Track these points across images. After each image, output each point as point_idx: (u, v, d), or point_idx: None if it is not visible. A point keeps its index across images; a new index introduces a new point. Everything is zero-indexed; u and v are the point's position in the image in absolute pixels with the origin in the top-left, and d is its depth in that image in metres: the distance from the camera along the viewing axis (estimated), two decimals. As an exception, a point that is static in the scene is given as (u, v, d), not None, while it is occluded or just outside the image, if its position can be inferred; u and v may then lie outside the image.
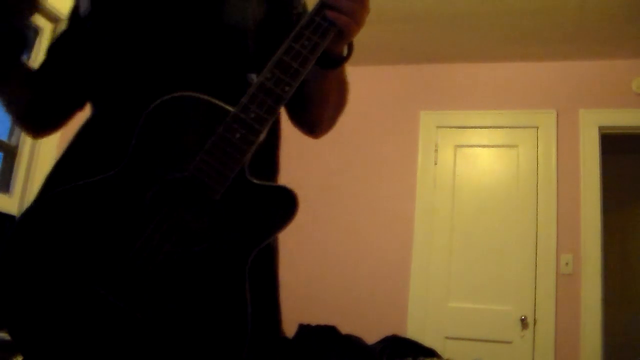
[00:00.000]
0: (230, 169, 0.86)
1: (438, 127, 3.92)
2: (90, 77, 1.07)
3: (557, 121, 3.72)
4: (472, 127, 3.89)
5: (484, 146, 3.86)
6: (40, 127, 1.17)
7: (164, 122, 0.87)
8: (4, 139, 2.76)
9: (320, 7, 0.90)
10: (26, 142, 2.77)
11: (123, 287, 0.83)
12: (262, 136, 0.88)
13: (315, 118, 1.12)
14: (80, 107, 1.15)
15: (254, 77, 0.97)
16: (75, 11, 1.11)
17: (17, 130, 2.80)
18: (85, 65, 1.07)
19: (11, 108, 1.12)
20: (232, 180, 0.86)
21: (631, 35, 3.43)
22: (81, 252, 0.85)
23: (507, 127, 3.83)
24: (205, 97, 0.88)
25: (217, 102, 0.88)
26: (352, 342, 3.12)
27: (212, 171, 0.85)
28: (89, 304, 0.83)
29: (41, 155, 2.79)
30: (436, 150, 3.88)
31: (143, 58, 1.00)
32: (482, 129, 3.86)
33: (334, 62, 0.97)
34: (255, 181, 0.88)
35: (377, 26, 3.51)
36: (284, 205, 0.88)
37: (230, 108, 0.87)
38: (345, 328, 3.12)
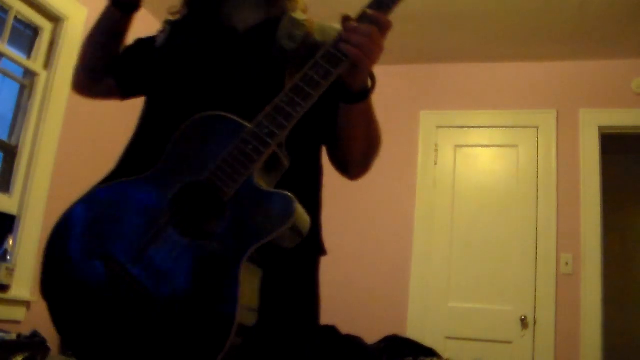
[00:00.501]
0: (240, 174, 0.98)
1: (438, 127, 3.92)
2: (141, 90, 1.29)
3: (557, 121, 3.72)
4: (472, 127, 3.89)
5: (484, 146, 3.86)
6: (89, 86, 1.37)
7: (193, 135, 1.04)
8: (4, 139, 2.76)
9: (336, 41, 1.02)
10: (26, 142, 2.77)
11: (139, 265, 0.98)
12: (286, 162, 1.04)
13: (345, 155, 1.23)
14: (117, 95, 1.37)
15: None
16: (153, 39, 1.30)
17: (17, 130, 2.80)
18: (141, 78, 1.28)
19: (92, 54, 1.32)
20: (242, 185, 0.98)
21: (631, 35, 3.43)
22: (110, 234, 1.02)
23: (507, 127, 3.83)
24: (231, 115, 1.03)
25: (239, 119, 1.02)
26: (352, 342, 3.12)
27: (224, 176, 0.98)
28: (110, 276, 0.99)
29: (41, 155, 2.79)
30: (436, 150, 3.88)
31: (197, 90, 1.18)
32: (482, 129, 3.86)
33: (356, 96, 1.09)
34: (261, 187, 0.99)
35: (377, 26, 3.51)
36: (283, 209, 0.97)
37: (246, 124, 1.01)
38: (345, 328, 3.12)
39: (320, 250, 1.25)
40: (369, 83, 1.10)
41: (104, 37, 1.30)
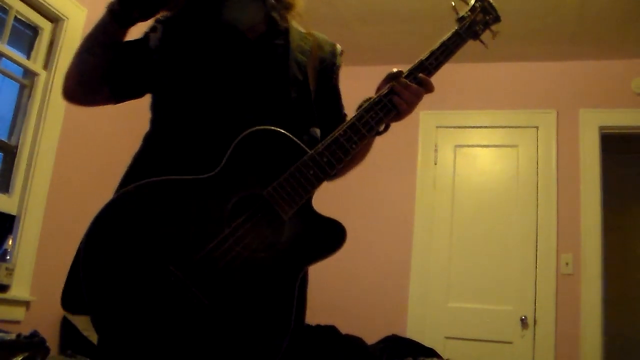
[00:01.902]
0: (300, 196, 1.06)
1: (438, 127, 3.92)
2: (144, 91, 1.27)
3: (557, 121, 3.72)
4: (472, 127, 3.89)
5: (483, 146, 3.86)
6: (81, 95, 1.30)
7: (253, 146, 1.06)
8: (4, 139, 2.76)
9: (389, 92, 1.17)
10: (26, 142, 2.77)
11: (196, 275, 0.98)
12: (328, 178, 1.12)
13: (341, 172, 1.31)
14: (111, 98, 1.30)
15: (317, 131, 1.24)
16: (144, 39, 1.27)
17: (17, 130, 2.80)
18: (140, 80, 1.25)
19: (92, 57, 1.23)
20: (301, 206, 1.06)
21: (631, 35, 3.43)
22: (165, 237, 0.99)
23: (507, 127, 3.83)
24: (289, 135, 1.09)
25: (298, 141, 1.09)
26: (352, 342, 3.12)
27: (286, 195, 1.05)
28: (164, 284, 0.96)
29: (41, 155, 2.79)
30: (436, 150, 3.88)
31: (214, 91, 1.19)
32: (482, 129, 3.86)
33: (379, 133, 1.21)
34: (317, 212, 1.09)
35: (377, 26, 3.51)
36: (336, 237, 1.09)
37: (308, 149, 1.09)
38: (345, 328, 3.12)
39: None
40: None
41: (99, 48, 1.23)
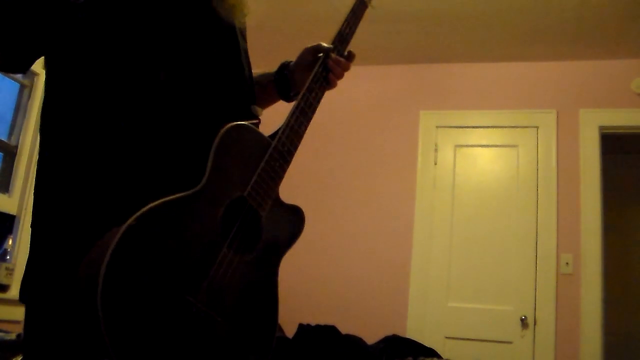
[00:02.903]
0: (273, 190, 1.06)
1: (438, 127, 3.91)
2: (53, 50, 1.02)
3: (557, 121, 3.71)
4: (472, 127, 3.89)
5: (484, 146, 3.86)
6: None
7: (229, 148, 1.01)
8: (4, 139, 2.76)
9: (323, 69, 1.22)
10: (26, 142, 2.77)
11: (207, 297, 0.96)
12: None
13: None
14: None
15: (258, 109, 1.21)
16: None
17: (17, 130, 2.80)
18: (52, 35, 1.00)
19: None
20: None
21: (631, 35, 3.43)
22: (175, 267, 0.93)
23: (507, 127, 3.82)
24: (253, 126, 1.07)
25: (261, 133, 1.08)
26: (352, 342, 3.12)
27: (263, 192, 1.04)
28: (182, 313, 0.92)
29: (41, 155, 2.79)
30: (436, 150, 3.88)
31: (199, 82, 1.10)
32: (482, 129, 3.86)
33: (290, 98, 1.30)
34: (284, 201, 1.11)
35: (377, 26, 3.51)
36: (301, 219, 1.14)
37: (271, 140, 1.08)
38: (345, 328, 3.12)
39: None
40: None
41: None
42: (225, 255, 0.98)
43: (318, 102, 1.20)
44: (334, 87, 1.25)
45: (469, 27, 3.51)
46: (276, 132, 1.10)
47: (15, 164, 2.75)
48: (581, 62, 3.75)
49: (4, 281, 2.56)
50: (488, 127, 3.85)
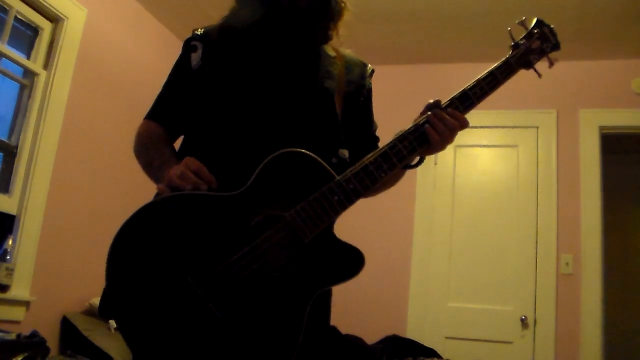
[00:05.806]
0: (322, 221, 1.07)
1: (438, 127, 3.91)
2: (191, 113, 1.26)
3: (557, 121, 3.71)
4: (472, 127, 3.84)
5: (484, 146, 3.86)
6: None
7: (281, 168, 1.07)
8: (4, 139, 2.76)
9: (424, 122, 1.15)
10: (26, 142, 2.77)
11: (212, 288, 1.00)
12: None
13: (367, 195, 1.31)
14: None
15: (344, 153, 1.24)
16: (185, 62, 1.29)
17: (17, 130, 2.80)
18: (189, 104, 1.26)
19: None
20: (322, 230, 1.06)
21: (631, 35, 3.43)
22: (185, 249, 1.01)
23: (507, 127, 3.83)
24: (318, 158, 1.08)
25: (326, 165, 1.09)
26: (352, 342, 3.12)
27: (308, 219, 1.05)
28: (180, 294, 0.99)
29: (41, 155, 2.79)
30: (436, 150, 3.88)
31: (246, 109, 1.21)
32: (482, 129, 3.86)
33: (411, 166, 1.21)
34: (338, 238, 1.10)
35: (377, 26, 3.51)
36: (353, 264, 1.11)
37: (335, 174, 1.08)
38: (345, 328, 3.11)
39: None
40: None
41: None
42: (244, 258, 1.01)
43: (410, 153, 1.12)
44: (435, 145, 1.15)
45: (469, 27, 3.51)
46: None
47: (15, 164, 2.75)
48: (581, 62, 3.75)
49: (4, 281, 2.56)
50: (488, 127, 3.85)
